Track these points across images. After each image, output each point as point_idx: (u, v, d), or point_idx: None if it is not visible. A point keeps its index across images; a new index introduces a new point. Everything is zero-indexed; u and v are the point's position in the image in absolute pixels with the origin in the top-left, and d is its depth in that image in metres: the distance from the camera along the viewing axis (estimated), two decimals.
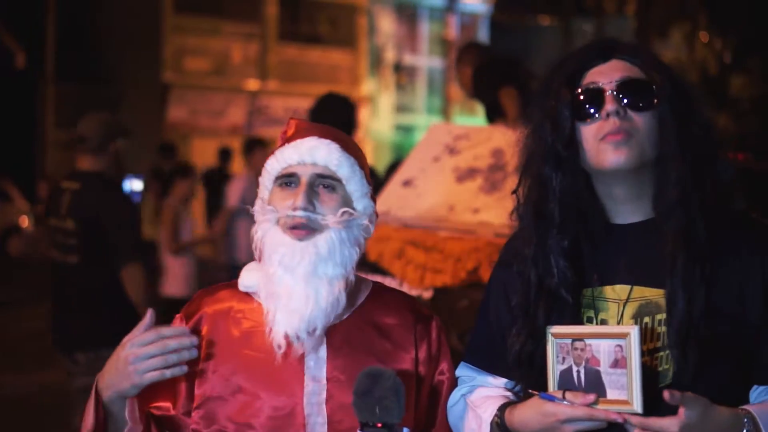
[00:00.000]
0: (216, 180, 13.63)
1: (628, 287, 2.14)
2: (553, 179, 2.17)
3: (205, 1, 23.37)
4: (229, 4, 23.91)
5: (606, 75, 2.14)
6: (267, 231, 2.20)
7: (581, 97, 2.14)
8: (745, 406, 2.02)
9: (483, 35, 31.02)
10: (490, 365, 2.32)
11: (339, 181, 2.23)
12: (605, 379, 1.98)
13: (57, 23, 20.30)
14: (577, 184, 2.17)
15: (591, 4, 21.33)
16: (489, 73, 5.88)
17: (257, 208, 2.27)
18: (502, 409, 2.18)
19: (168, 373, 2.09)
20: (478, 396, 2.29)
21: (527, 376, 2.19)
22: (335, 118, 5.18)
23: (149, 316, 2.12)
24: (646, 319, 2.11)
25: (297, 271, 2.15)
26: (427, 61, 30.03)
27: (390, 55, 28.49)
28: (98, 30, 22.29)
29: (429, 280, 4.50)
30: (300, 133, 2.28)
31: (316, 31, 26.23)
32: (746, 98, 19.42)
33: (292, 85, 24.68)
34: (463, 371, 2.39)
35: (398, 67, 28.44)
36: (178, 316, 2.31)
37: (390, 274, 4.67)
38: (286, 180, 2.23)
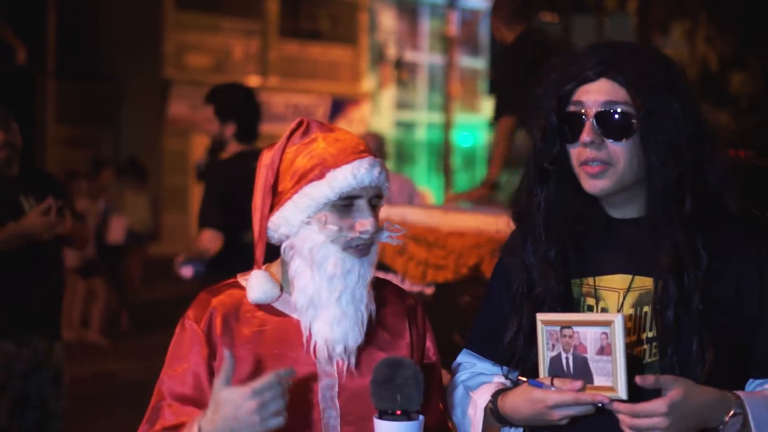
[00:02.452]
0: None
1: (629, 277, 2.17)
2: (538, 194, 2.21)
3: None
4: (230, 0, 23.90)
5: (591, 96, 2.12)
6: (320, 246, 2.20)
7: (565, 119, 2.16)
8: (735, 391, 2.04)
9: (484, 31, 31.00)
10: (490, 352, 2.36)
11: (382, 198, 2.28)
12: (592, 366, 2.01)
13: (58, 19, 20.27)
14: (563, 197, 2.20)
15: (591, 1, 21.34)
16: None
17: (297, 220, 2.23)
18: (495, 395, 2.22)
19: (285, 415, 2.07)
20: (477, 383, 2.34)
21: (520, 366, 2.25)
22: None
23: (229, 360, 2.08)
24: (646, 308, 2.14)
25: (357, 289, 2.20)
26: (428, 57, 30.01)
27: (391, 52, 28.48)
28: (99, 26, 22.29)
29: (431, 276, 4.52)
30: (348, 149, 2.25)
31: (316, 28, 26.22)
32: (746, 95, 19.45)
33: (292, 81, 24.68)
34: (464, 357, 2.43)
35: (399, 64, 28.43)
36: (186, 319, 2.29)
37: (392, 270, 4.69)
38: (348, 201, 2.22)
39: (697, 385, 1.99)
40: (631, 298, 2.16)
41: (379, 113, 28.17)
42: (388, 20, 28.64)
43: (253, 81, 23.86)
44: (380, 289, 2.37)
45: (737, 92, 19.57)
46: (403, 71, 28.79)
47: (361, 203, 2.22)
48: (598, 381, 2.00)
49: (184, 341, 2.27)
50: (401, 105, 29.35)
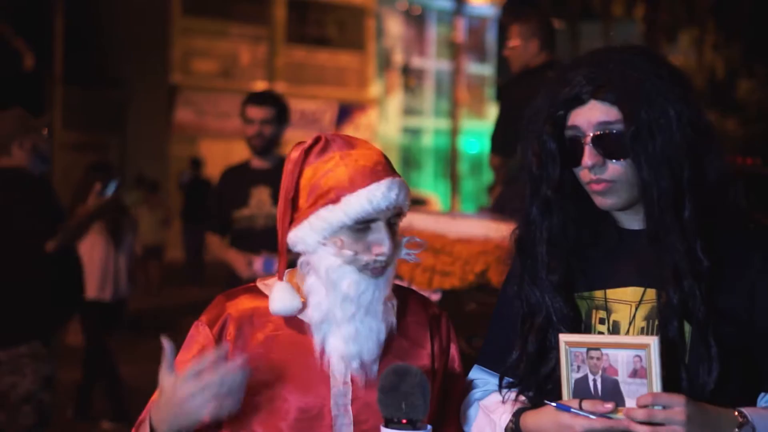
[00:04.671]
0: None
1: (641, 290, 2.13)
2: (540, 223, 2.17)
3: (212, 3, 23.42)
4: (237, 6, 23.95)
5: (585, 119, 2.09)
6: (335, 268, 2.19)
7: (564, 144, 2.13)
8: (738, 408, 1.99)
9: (491, 38, 31.01)
10: (503, 368, 2.30)
11: (402, 216, 2.25)
12: (623, 388, 1.95)
13: (65, 25, 20.33)
14: (565, 224, 2.17)
15: (599, 8, 21.35)
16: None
17: (313, 241, 2.21)
18: (517, 414, 2.17)
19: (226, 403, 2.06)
20: (492, 401, 2.28)
21: (523, 387, 2.20)
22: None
23: (168, 347, 2.07)
24: (657, 322, 2.10)
25: (372, 307, 2.19)
26: (435, 63, 30.05)
27: (398, 58, 28.52)
28: (106, 32, 22.34)
29: (437, 283, 4.51)
30: (366, 171, 2.22)
31: (324, 34, 26.27)
32: (753, 103, 19.44)
33: (300, 87, 24.71)
34: (477, 374, 2.38)
35: (406, 70, 28.47)
36: (199, 322, 2.30)
37: (398, 276, 4.69)
38: (364, 225, 2.19)
39: (695, 401, 1.95)
40: (642, 311, 2.12)
41: (386, 119, 28.20)
42: (395, 26, 28.67)
43: (260, 87, 23.92)
44: (403, 298, 2.35)
45: (744, 100, 19.57)
46: (410, 77, 28.83)
47: (379, 225, 2.19)
48: (630, 404, 1.94)
49: (194, 342, 2.28)
50: (408, 111, 29.38)
